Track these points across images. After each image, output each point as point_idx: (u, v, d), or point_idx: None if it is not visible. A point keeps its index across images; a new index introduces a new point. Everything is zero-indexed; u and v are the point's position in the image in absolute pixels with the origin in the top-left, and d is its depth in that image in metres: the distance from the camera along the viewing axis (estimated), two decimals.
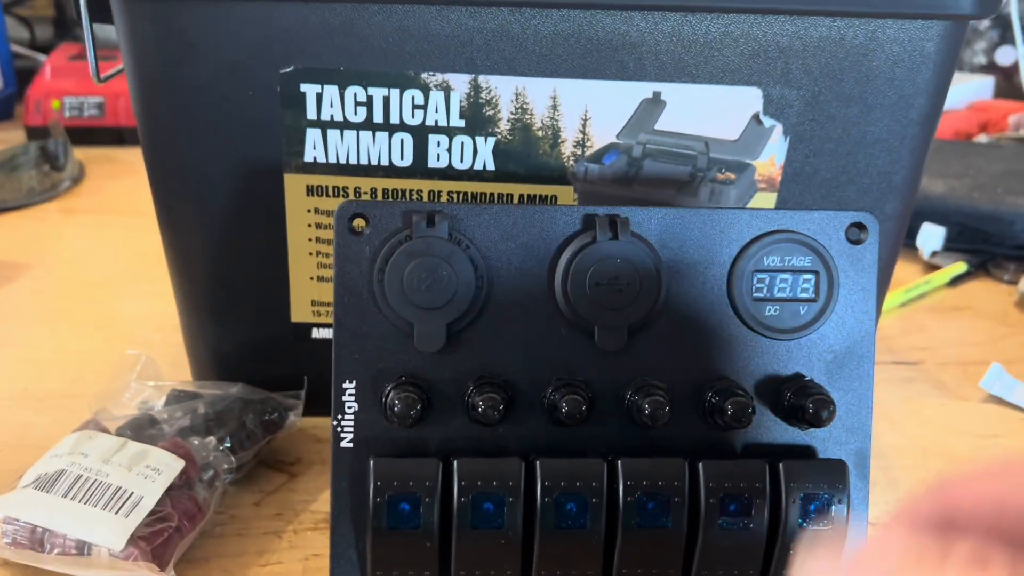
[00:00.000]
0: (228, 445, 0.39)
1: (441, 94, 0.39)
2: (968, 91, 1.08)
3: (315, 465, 0.43)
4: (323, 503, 0.40)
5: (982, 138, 0.98)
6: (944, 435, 0.48)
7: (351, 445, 0.34)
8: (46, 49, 1.14)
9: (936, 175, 0.75)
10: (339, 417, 0.34)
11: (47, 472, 0.36)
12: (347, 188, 0.41)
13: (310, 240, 0.42)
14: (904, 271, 0.69)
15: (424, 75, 0.39)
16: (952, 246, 0.71)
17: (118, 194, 0.80)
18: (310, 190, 0.41)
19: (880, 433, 0.48)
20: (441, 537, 0.32)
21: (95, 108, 0.90)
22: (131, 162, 0.89)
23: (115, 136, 0.91)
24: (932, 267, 0.70)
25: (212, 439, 0.39)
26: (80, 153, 0.86)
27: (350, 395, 0.34)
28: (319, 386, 0.44)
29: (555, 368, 0.34)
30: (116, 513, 0.34)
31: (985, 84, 1.11)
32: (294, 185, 0.41)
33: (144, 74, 0.40)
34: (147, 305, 0.58)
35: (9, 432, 0.45)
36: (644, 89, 0.40)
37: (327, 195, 0.41)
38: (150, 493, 0.35)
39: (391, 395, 0.33)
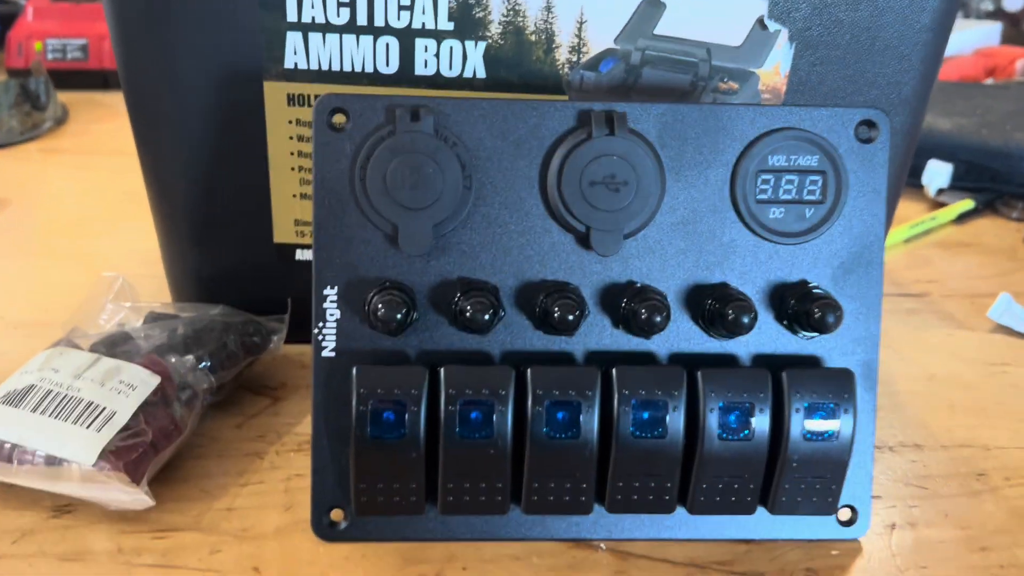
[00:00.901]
0: (207, 364, 0.38)
1: None
2: (975, 37, 1.06)
3: (300, 390, 0.41)
4: (307, 426, 0.39)
5: (989, 83, 0.95)
6: (951, 362, 0.47)
7: (333, 354, 0.32)
8: None
9: (942, 113, 0.73)
10: (320, 325, 0.32)
11: (16, 388, 0.34)
12: None
13: (292, 154, 0.40)
14: (910, 209, 0.68)
15: None
16: (959, 184, 0.69)
17: (102, 136, 0.78)
18: (291, 99, 0.39)
19: (885, 360, 0.46)
20: (428, 447, 0.30)
21: (78, 50, 0.88)
22: (115, 106, 0.86)
23: (99, 79, 0.89)
24: (938, 205, 0.68)
25: (191, 358, 0.37)
26: (64, 96, 0.83)
27: (331, 301, 0.32)
28: (304, 310, 0.42)
29: (547, 273, 0.32)
30: (87, 428, 0.33)
31: (992, 30, 1.08)
32: (274, 93, 0.39)
33: None
34: (129, 241, 0.56)
35: None
36: None
37: (309, 104, 0.39)
38: (123, 408, 0.34)
39: (374, 300, 0.31)
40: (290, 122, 0.40)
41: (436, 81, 0.39)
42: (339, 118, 0.31)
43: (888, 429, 0.41)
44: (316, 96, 0.39)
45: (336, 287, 0.32)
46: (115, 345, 0.37)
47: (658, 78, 0.40)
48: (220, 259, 0.43)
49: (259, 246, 0.42)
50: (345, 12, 0.38)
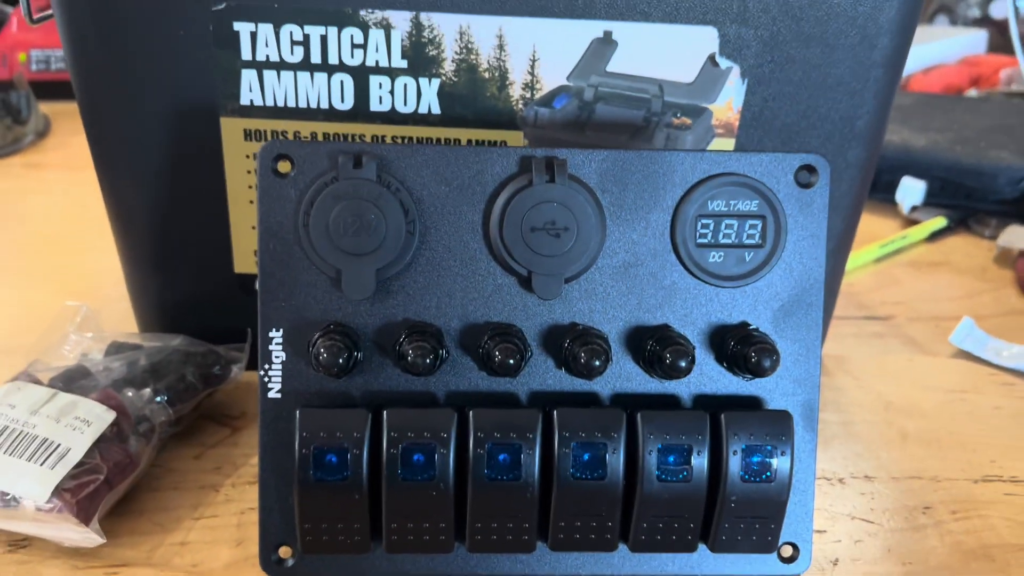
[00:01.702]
0: (165, 398, 0.38)
1: (381, 32, 0.38)
2: (961, 45, 1.06)
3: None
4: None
5: (972, 92, 0.95)
6: (910, 390, 0.47)
7: (279, 396, 0.33)
8: (12, 1, 1.11)
9: (918, 129, 0.74)
10: (266, 367, 0.32)
11: None
12: (286, 132, 0.40)
13: (250, 187, 0.41)
14: (883, 226, 0.68)
15: (363, 12, 0.37)
16: (933, 201, 0.69)
17: (84, 149, 0.78)
18: (248, 134, 0.40)
19: (844, 388, 0.47)
20: (371, 487, 0.31)
21: (63, 61, 0.88)
22: None
23: None
24: (912, 222, 0.68)
25: (148, 391, 0.38)
26: (47, 107, 0.84)
27: (277, 343, 0.32)
28: None
29: (490, 315, 0.33)
30: (41, 465, 0.33)
31: (978, 38, 1.08)
32: (231, 129, 0.40)
33: (73, 14, 0.38)
34: (102, 260, 0.56)
35: None
36: (594, 28, 0.38)
37: (266, 139, 0.40)
38: (78, 444, 0.34)
39: (318, 343, 0.31)
40: (247, 156, 0.40)
41: (391, 117, 0.40)
42: (284, 165, 0.32)
43: (841, 460, 0.41)
44: (273, 131, 0.40)
45: (281, 330, 0.32)
46: (73, 380, 0.38)
47: (612, 114, 0.40)
48: (182, 288, 0.44)
49: (220, 276, 0.43)
50: (299, 50, 0.38)
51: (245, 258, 0.43)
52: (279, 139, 0.32)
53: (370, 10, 0.37)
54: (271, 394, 0.33)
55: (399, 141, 0.40)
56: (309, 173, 0.32)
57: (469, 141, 0.40)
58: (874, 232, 0.66)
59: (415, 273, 0.33)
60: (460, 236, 0.33)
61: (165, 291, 0.44)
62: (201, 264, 0.43)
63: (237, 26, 0.37)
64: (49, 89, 0.87)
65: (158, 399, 0.38)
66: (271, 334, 0.32)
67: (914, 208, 0.69)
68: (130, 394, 0.38)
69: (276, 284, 0.32)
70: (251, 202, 0.41)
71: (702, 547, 0.33)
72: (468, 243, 0.33)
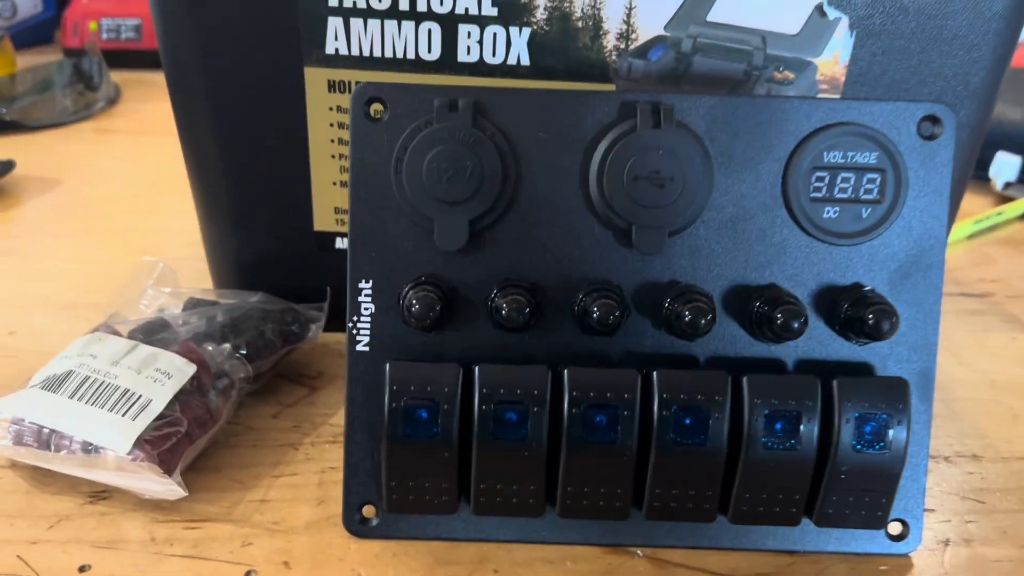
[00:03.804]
0: (244, 353, 0.37)
1: None
2: None
3: (337, 379, 0.41)
4: (339, 418, 0.38)
5: None
6: (1015, 368, 0.44)
7: (367, 349, 0.31)
8: None
9: (1013, 102, 0.70)
10: (355, 319, 0.31)
11: (55, 373, 0.35)
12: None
13: (332, 141, 0.40)
14: (975, 203, 0.65)
15: None
16: None
17: (153, 116, 0.78)
18: (332, 85, 0.39)
19: (943, 365, 0.44)
20: (461, 446, 0.30)
21: (132, 30, 0.88)
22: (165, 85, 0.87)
23: (152, 59, 0.88)
24: (1005, 199, 0.65)
25: (227, 346, 0.37)
26: (116, 76, 0.84)
27: (366, 295, 0.31)
28: (342, 298, 0.42)
29: (587, 271, 0.31)
30: (123, 415, 0.33)
31: None
32: (315, 80, 0.38)
33: None
34: (175, 222, 0.56)
35: (25, 339, 0.44)
36: None
37: (350, 91, 0.39)
38: (159, 397, 0.34)
39: (409, 295, 0.30)
40: (331, 109, 0.39)
41: (479, 68, 0.38)
42: (376, 108, 0.31)
43: (944, 438, 0.39)
44: (358, 82, 0.38)
45: (371, 281, 0.31)
46: (153, 332, 0.37)
47: (710, 67, 0.38)
48: (260, 246, 0.43)
49: (299, 234, 0.42)
50: None
51: (325, 215, 0.41)
52: (372, 82, 0.31)
53: None
54: (359, 347, 0.31)
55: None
56: (403, 117, 0.31)
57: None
58: (966, 208, 0.63)
59: (509, 224, 0.31)
60: (557, 186, 0.31)
61: (243, 248, 0.43)
62: (280, 221, 0.42)
63: None
64: (119, 57, 0.87)
65: (238, 354, 0.37)
66: (360, 285, 0.31)
67: (1008, 184, 0.65)
68: (210, 348, 0.37)
69: (366, 233, 0.31)
70: (333, 157, 0.40)
71: (805, 521, 0.32)
72: (565, 194, 0.31)
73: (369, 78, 0.38)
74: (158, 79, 0.87)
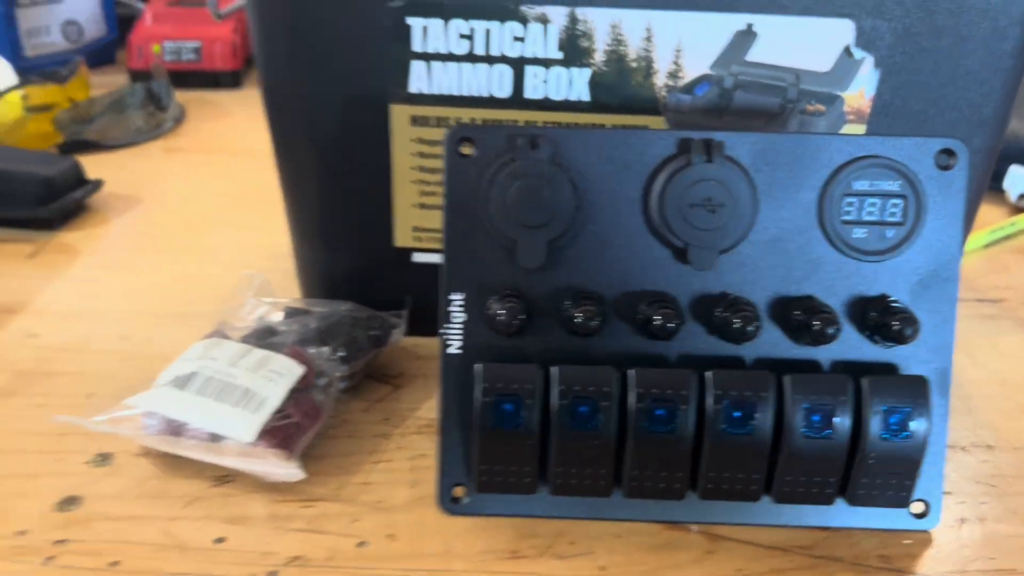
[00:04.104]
0: (342, 355, 0.43)
1: (540, 26, 0.41)
2: None
3: (416, 379, 0.46)
4: (426, 411, 0.44)
5: None
6: None
7: (458, 352, 0.36)
8: None
9: None
10: (447, 326, 0.36)
11: (181, 373, 0.40)
12: (449, 118, 0.44)
13: (413, 169, 0.45)
14: (990, 214, 0.69)
15: (523, 8, 0.41)
16: None
17: (216, 134, 0.84)
18: (414, 120, 0.44)
19: (959, 364, 0.49)
20: (541, 435, 0.35)
21: (192, 52, 0.94)
22: (225, 104, 0.93)
23: (211, 79, 0.95)
24: (1019, 210, 0.69)
25: (326, 349, 0.43)
26: (179, 95, 0.90)
27: (457, 305, 0.36)
28: (419, 307, 0.48)
29: (646, 284, 0.36)
30: (246, 410, 0.38)
31: None
32: (399, 115, 0.44)
33: (265, 11, 0.42)
34: (251, 237, 0.61)
35: (135, 345, 0.49)
36: (737, 21, 0.41)
37: (430, 125, 0.44)
38: (275, 394, 0.39)
39: (495, 306, 0.35)
40: (412, 140, 0.44)
41: (544, 104, 0.43)
42: (466, 147, 0.36)
43: (960, 431, 0.43)
44: (437, 117, 0.43)
45: (461, 293, 0.36)
46: (263, 337, 0.43)
47: (749, 100, 0.43)
48: (346, 259, 0.48)
49: (381, 249, 0.47)
50: (465, 43, 0.42)
51: (405, 233, 0.47)
52: (463, 124, 0.36)
53: (530, 6, 0.41)
54: (451, 350, 0.36)
55: (551, 126, 0.43)
56: (489, 153, 0.36)
57: (615, 126, 0.43)
58: (981, 218, 0.67)
59: (580, 245, 0.36)
60: (620, 211, 0.36)
61: (331, 262, 0.48)
62: (365, 238, 0.47)
63: (410, 21, 0.41)
64: (179, 78, 0.93)
65: (335, 356, 0.42)
66: (452, 296, 0.36)
67: (1021, 196, 0.70)
68: (312, 351, 0.42)
69: (458, 253, 0.36)
70: (413, 182, 0.45)
71: (839, 500, 0.36)
72: (628, 217, 0.36)
73: (447, 114, 0.43)
74: (216, 98, 0.94)
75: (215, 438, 0.38)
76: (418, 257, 0.47)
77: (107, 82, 0.92)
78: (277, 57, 0.44)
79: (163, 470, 0.39)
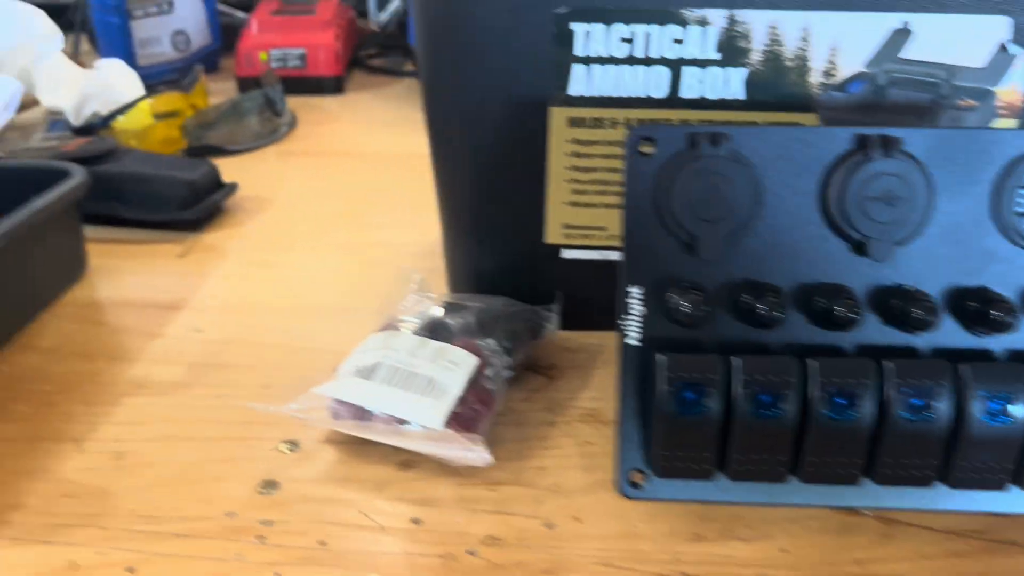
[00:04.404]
0: (507, 346, 0.45)
1: (699, 28, 0.43)
2: None
3: (569, 370, 0.48)
4: (584, 400, 0.45)
5: None
6: None
7: (636, 343, 0.38)
8: (238, 4, 1.22)
9: None
10: (625, 318, 0.38)
11: (365, 364, 0.42)
12: (604, 119, 0.45)
13: (567, 168, 0.47)
14: None
15: (684, 11, 0.42)
16: None
17: (327, 138, 0.87)
18: (571, 122, 0.45)
19: None
20: (720, 424, 0.36)
21: (297, 59, 0.97)
22: (331, 109, 0.96)
23: (315, 85, 0.98)
24: None
25: (491, 340, 0.45)
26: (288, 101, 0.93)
27: (635, 298, 0.38)
28: (567, 301, 0.49)
29: (822, 276, 0.37)
30: (431, 397, 0.40)
31: None
32: (557, 117, 0.45)
33: (431, 14, 0.45)
34: (384, 234, 0.64)
35: (298, 338, 0.52)
36: (893, 19, 0.42)
37: (586, 126, 0.45)
38: (455, 382, 0.41)
39: (676, 298, 0.37)
40: (568, 140, 0.46)
41: (700, 103, 0.45)
42: (646, 146, 0.37)
43: None
44: (593, 118, 0.45)
45: (640, 287, 0.38)
46: (432, 330, 0.45)
47: (902, 97, 0.44)
48: (497, 255, 0.50)
49: (532, 246, 0.49)
50: (625, 46, 0.43)
51: (556, 230, 0.48)
52: (643, 124, 0.37)
53: (691, 9, 0.42)
54: (630, 340, 0.38)
55: (705, 124, 0.45)
56: (667, 151, 0.37)
57: (768, 123, 0.45)
58: None
59: (757, 238, 0.37)
60: (797, 205, 0.37)
61: (481, 258, 0.50)
62: (517, 235, 0.49)
63: (573, 26, 0.43)
64: (285, 85, 0.96)
65: (500, 347, 0.44)
66: (631, 289, 0.38)
67: None
68: (480, 343, 0.44)
69: (637, 247, 0.38)
70: (566, 181, 0.47)
71: (1013, 487, 0.37)
72: (805, 211, 0.37)
73: (604, 114, 0.45)
74: (322, 103, 0.97)
75: (403, 423, 0.40)
76: (568, 253, 0.49)
77: (216, 88, 0.96)
78: (439, 60, 0.46)
79: (350, 455, 0.42)
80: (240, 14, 1.14)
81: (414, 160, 0.80)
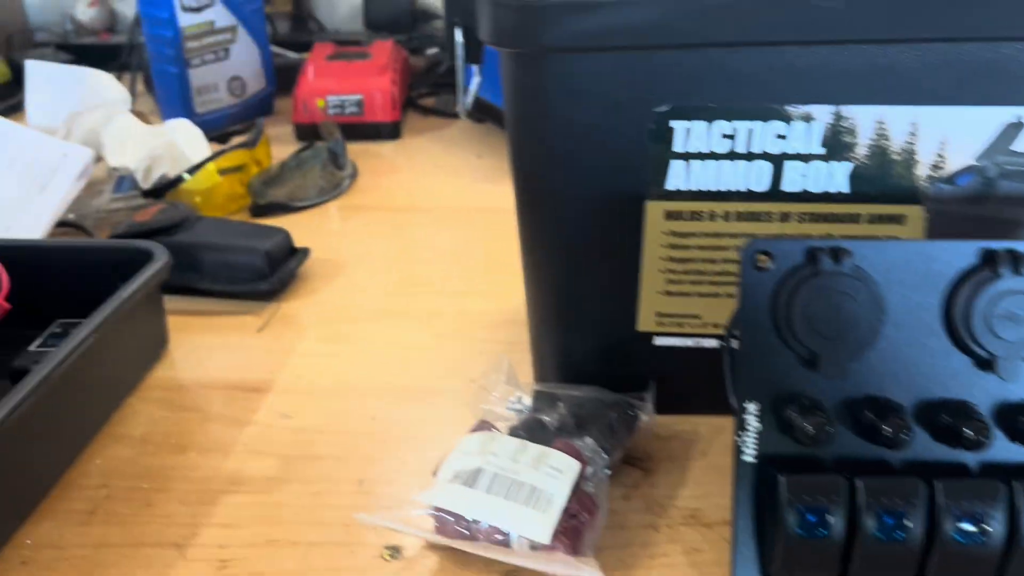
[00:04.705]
0: (605, 446, 0.44)
1: (803, 124, 0.42)
2: None
3: (664, 462, 0.47)
4: (685, 499, 0.45)
5: None
6: None
7: (752, 460, 0.37)
8: (285, 44, 1.23)
9: None
10: (741, 433, 0.37)
11: (466, 469, 0.42)
12: (702, 212, 0.44)
13: (662, 259, 0.46)
14: None
15: (788, 107, 0.42)
16: None
17: (389, 191, 0.86)
18: (668, 215, 0.45)
19: None
20: (843, 545, 0.35)
21: (355, 106, 0.97)
22: (389, 156, 0.96)
23: (373, 131, 0.98)
24: None
25: (589, 439, 0.44)
26: None
27: (751, 414, 0.37)
28: (662, 387, 0.49)
29: (944, 392, 0.36)
30: (536, 509, 0.40)
31: None
32: (654, 210, 0.45)
33: (524, 116, 0.44)
34: (463, 303, 0.64)
35: (385, 426, 0.51)
36: (1006, 114, 0.41)
37: (683, 219, 0.45)
38: (560, 491, 0.40)
39: (799, 419, 0.36)
40: (665, 232, 0.45)
41: (802, 196, 0.44)
42: (763, 259, 0.37)
43: None
44: (691, 211, 0.44)
45: (756, 403, 0.37)
46: (532, 430, 0.44)
47: (1013, 189, 0.42)
48: (586, 342, 0.50)
49: (623, 333, 0.48)
50: (727, 142, 0.43)
51: (648, 318, 0.48)
52: (759, 238, 0.37)
53: (795, 105, 0.41)
54: (745, 457, 0.37)
55: (806, 216, 0.44)
56: (785, 265, 0.37)
57: (871, 215, 0.44)
58: None
59: (879, 354, 0.37)
60: (920, 320, 0.36)
61: (571, 345, 0.50)
62: (608, 323, 0.48)
63: (673, 123, 0.42)
64: (342, 131, 0.96)
65: (598, 447, 0.44)
66: (747, 405, 0.37)
67: None
68: (579, 443, 0.44)
69: (753, 362, 0.37)
70: (661, 271, 0.46)
71: None
72: (927, 326, 0.36)
73: (702, 208, 0.44)
74: (380, 149, 0.97)
75: (507, 537, 0.40)
76: (660, 340, 0.48)
77: (273, 134, 0.96)
78: (533, 156, 0.45)
79: (452, 563, 0.41)
80: (292, 55, 1.14)
81: (477, 214, 0.80)
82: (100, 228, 0.77)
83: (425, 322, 0.62)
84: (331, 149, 0.84)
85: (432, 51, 1.22)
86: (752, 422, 0.37)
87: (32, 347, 0.56)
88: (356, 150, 0.95)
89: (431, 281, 0.68)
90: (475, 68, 0.52)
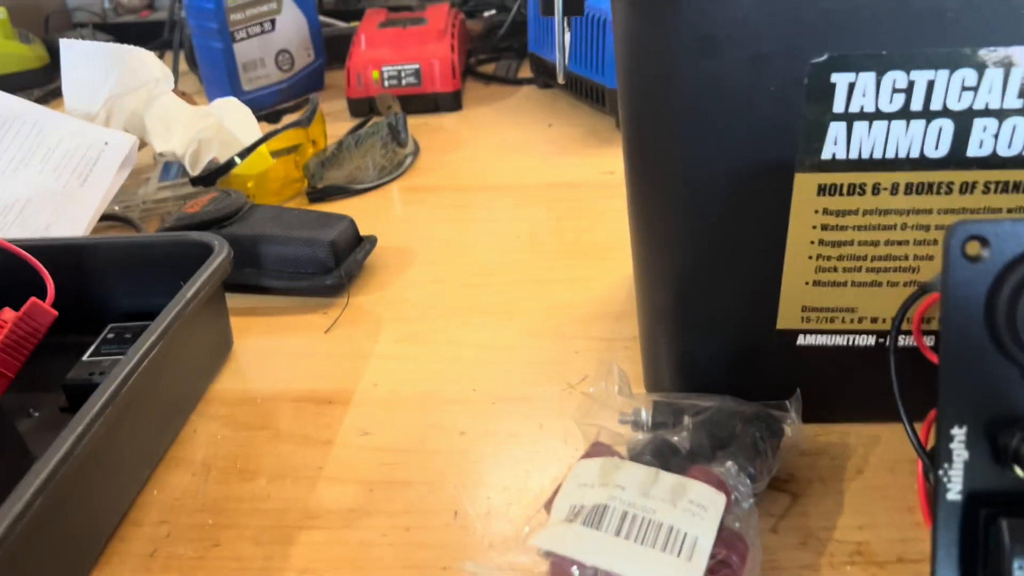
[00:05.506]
0: (751, 472, 0.37)
1: (1000, 71, 0.33)
2: None
3: (812, 483, 0.40)
4: (845, 530, 0.37)
5: None
6: None
7: (959, 497, 0.30)
8: (333, 13, 1.16)
9: None
10: (946, 466, 0.30)
11: (586, 505, 0.35)
12: (864, 184, 0.36)
13: (812, 243, 0.38)
14: None
15: (982, 51, 0.33)
16: None
17: (454, 168, 0.79)
18: (821, 189, 0.37)
19: None
20: None
21: (412, 76, 0.90)
22: (451, 129, 0.89)
23: (431, 103, 0.91)
24: None
25: (730, 463, 0.37)
26: None
27: (959, 441, 0.30)
28: (807, 396, 0.41)
29: None
30: (678, 556, 0.33)
31: None
32: (804, 185, 0.37)
33: (643, 74, 0.37)
34: (550, 294, 0.57)
35: (476, 442, 0.44)
36: None
37: (840, 193, 0.37)
38: (704, 533, 0.33)
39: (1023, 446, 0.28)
40: (816, 211, 0.37)
41: (989, 161, 0.35)
42: (973, 247, 0.29)
43: None
44: (850, 184, 0.36)
45: (965, 427, 0.29)
46: (663, 456, 0.37)
47: None
48: (713, 346, 0.42)
49: (758, 332, 0.41)
50: (900, 98, 0.34)
51: (791, 314, 0.40)
52: (969, 220, 0.29)
53: (993, 48, 0.33)
54: (950, 495, 0.30)
55: (991, 186, 0.36)
56: (1006, 254, 0.28)
57: None
58: None
59: None
60: None
61: (696, 346, 0.42)
62: (739, 321, 0.41)
63: (835, 77, 0.34)
64: (400, 103, 0.89)
65: (742, 474, 0.36)
66: (953, 431, 0.30)
67: None
68: (719, 469, 0.36)
69: (962, 379, 0.29)
70: (810, 257, 0.38)
71: None
72: None
73: (862, 179, 0.36)
74: (441, 122, 0.90)
75: None
76: (805, 340, 0.41)
77: (326, 110, 0.89)
78: (655, 123, 0.38)
79: None
80: (341, 24, 1.07)
81: (552, 191, 0.73)
82: (148, 220, 0.71)
83: (508, 317, 0.55)
84: (391, 124, 0.77)
85: (489, 13, 1.14)
86: (959, 451, 0.30)
87: (85, 357, 0.50)
88: (415, 124, 0.88)
89: (508, 269, 0.61)
90: (564, 22, 0.45)
